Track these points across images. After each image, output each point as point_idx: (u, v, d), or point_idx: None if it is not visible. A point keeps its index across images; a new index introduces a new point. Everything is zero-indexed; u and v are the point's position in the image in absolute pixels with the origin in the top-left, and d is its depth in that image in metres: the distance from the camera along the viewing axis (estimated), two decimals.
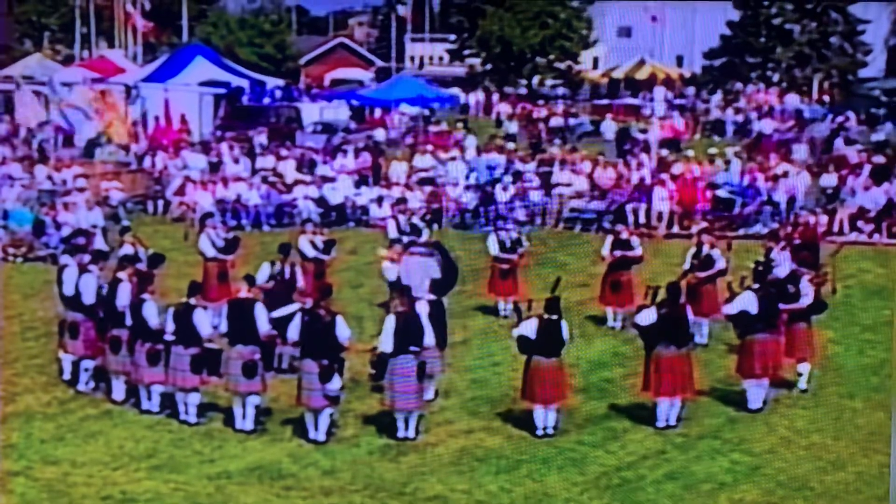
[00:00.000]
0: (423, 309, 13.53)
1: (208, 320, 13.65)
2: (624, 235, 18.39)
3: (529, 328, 13.24)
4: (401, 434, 13.21)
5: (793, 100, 48.15)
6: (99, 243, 18.78)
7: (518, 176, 29.13)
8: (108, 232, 21.62)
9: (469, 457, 12.80)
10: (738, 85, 53.58)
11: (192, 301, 13.58)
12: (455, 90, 54.02)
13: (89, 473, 12.16)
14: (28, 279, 20.82)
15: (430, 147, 33.28)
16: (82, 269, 14.87)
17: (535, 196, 27.63)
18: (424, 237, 18.76)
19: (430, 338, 13.26)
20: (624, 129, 39.22)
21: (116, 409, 14.12)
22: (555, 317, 13.27)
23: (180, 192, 27.79)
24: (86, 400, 14.43)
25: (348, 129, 38.93)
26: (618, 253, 18.01)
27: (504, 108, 49.20)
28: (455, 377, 15.36)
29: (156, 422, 13.68)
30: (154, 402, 13.92)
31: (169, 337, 13.53)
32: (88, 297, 14.54)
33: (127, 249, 16.45)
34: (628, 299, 17.60)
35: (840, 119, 39.60)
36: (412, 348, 13.04)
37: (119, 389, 14.33)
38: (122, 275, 14.46)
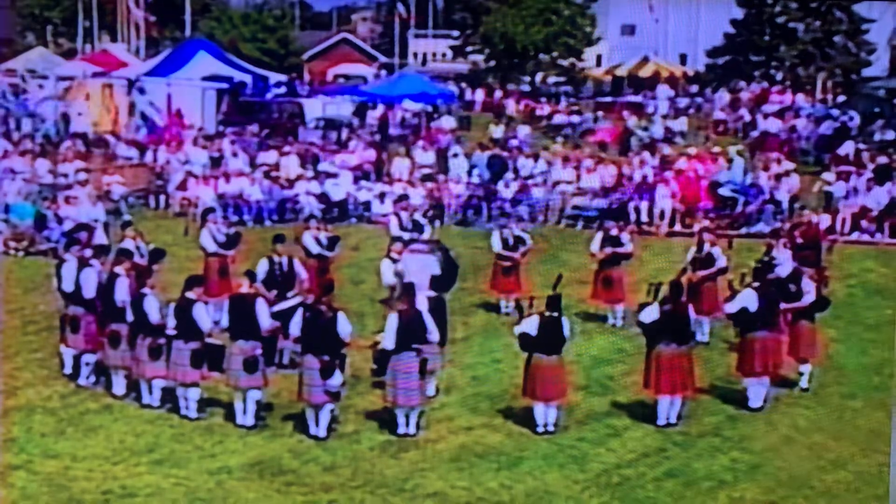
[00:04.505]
0: (423, 306, 13.52)
1: (208, 315, 13.64)
2: (613, 231, 18.32)
3: (531, 325, 13.24)
4: (401, 430, 13.20)
5: (796, 98, 48.05)
6: (100, 238, 18.78)
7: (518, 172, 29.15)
8: (109, 226, 21.66)
9: (469, 453, 12.79)
10: (742, 83, 53.49)
11: (192, 295, 13.57)
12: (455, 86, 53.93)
13: (90, 468, 12.15)
14: (29, 273, 20.81)
15: (432, 143, 33.24)
16: (83, 263, 14.86)
17: (538, 193, 27.60)
18: (426, 234, 18.73)
19: (434, 335, 13.25)
20: (626, 127, 39.18)
21: (117, 403, 14.11)
22: (556, 314, 13.26)
23: (182, 186, 27.79)
24: (86, 394, 14.42)
25: (351, 125, 38.92)
26: (608, 249, 17.99)
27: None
28: (456, 374, 15.37)
29: (156, 416, 13.67)
30: (155, 396, 13.90)
31: (170, 331, 13.52)
32: (89, 292, 14.53)
33: (128, 244, 16.44)
34: (620, 296, 17.60)
35: (843, 118, 39.53)
36: (414, 346, 13.03)
37: (120, 384, 14.32)
38: (119, 269, 14.45)
